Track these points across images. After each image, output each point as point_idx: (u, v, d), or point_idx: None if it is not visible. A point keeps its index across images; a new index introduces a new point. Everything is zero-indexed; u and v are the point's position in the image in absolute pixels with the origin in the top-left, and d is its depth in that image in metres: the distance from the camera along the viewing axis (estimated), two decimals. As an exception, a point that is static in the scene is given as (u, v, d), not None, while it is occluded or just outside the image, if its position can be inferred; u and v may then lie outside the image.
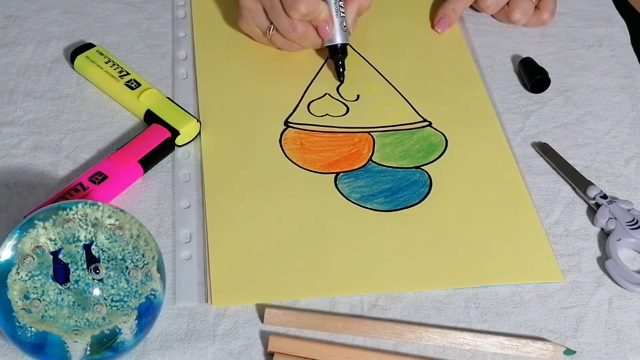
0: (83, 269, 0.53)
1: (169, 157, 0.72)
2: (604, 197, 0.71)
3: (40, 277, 0.53)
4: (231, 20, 0.86)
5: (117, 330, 0.54)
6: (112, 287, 0.54)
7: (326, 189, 0.71)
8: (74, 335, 0.53)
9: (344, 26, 0.79)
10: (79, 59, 0.78)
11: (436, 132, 0.77)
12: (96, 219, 0.55)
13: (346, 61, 0.80)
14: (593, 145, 0.77)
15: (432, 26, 0.88)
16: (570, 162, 0.75)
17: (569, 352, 0.61)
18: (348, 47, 0.80)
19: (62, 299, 0.53)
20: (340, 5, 0.79)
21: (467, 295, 0.65)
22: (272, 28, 0.78)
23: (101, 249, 0.54)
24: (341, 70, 0.80)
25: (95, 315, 0.53)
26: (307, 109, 0.78)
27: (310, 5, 0.75)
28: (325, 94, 0.80)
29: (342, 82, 0.80)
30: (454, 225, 0.69)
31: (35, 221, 0.54)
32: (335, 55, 0.80)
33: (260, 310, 0.62)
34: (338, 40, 0.79)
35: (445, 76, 0.83)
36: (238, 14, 0.81)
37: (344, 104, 0.79)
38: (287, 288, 0.64)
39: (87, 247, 0.54)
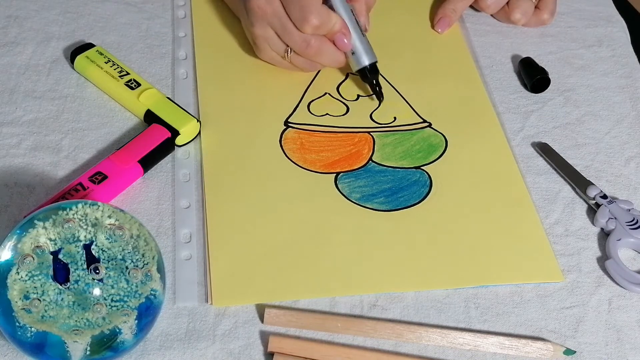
0: (83, 269, 0.53)
1: (169, 157, 0.72)
2: (604, 197, 0.71)
3: (40, 277, 0.53)
4: (231, 21, 0.85)
5: (117, 330, 0.54)
6: (112, 287, 0.54)
7: (326, 189, 0.71)
8: (74, 335, 0.53)
9: (369, 45, 0.77)
10: (79, 59, 0.78)
11: (436, 133, 0.77)
12: (96, 219, 0.55)
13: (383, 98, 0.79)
14: (593, 145, 0.77)
15: (432, 26, 0.88)
16: (570, 162, 0.75)
17: (569, 352, 0.61)
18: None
19: (62, 299, 0.53)
20: (359, 26, 0.76)
21: (467, 295, 0.65)
22: (289, 50, 0.76)
23: (101, 249, 0.54)
24: (377, 89, 0.77)
25: (95, 315, 0.53)
26: (307, 109, 0.78)
27: (321, 15, 0.73)
28: (325, 94, 0.80)
29: (381, 101, 0.78)
30: (454, 225, 0.69)
31: (35, 221, 0.54)
32: (367, 77, 0.77)
33: (260, 310, 0.62)
34: (365, 61, 0.76)
35: (445, 76, 0.83)
36: (253, 45, 0.79)
37: (344, 103, 0.79)
38: (287, 288, 0.64)
39: (87, 247, 0.54)
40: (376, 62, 0.77)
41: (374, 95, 0.79)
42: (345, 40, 0.75)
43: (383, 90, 0.79)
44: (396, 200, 0.71)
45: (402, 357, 0.60)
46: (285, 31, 0.74)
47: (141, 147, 0.70)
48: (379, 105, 0.79)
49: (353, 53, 0.77)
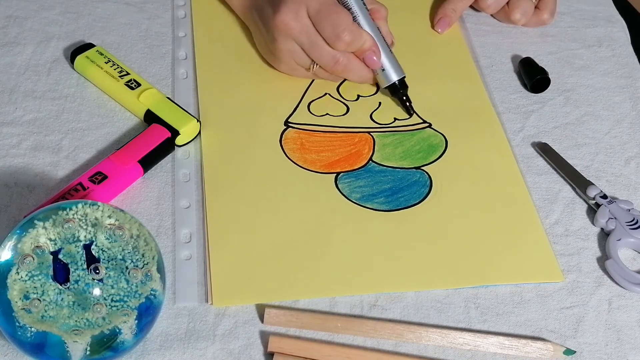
0: (83, 269, 0.53)
1: (169, 157, 0.72)
2: (604, 197, 0.71)
3: (40, 277, 0.53)
4: (231, 21, 0.85)
5: (117, 330, 0.54)
6: (112, 287, 0.54)
7: (326, 189, 0.71)
8: (74, 335, 0.53)
9: (396, 60, 0.77)
10: (79, 59, 0.78)
11: (436, 133, 0.77)
12: (96, 219, 0.55)
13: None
14: (593, 145, 0.77)
15: (432, 26, 0.88)
16: (570, 162, 0.75)
17: (569, 352, 0.61)
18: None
19: (62, 299, 0.53)
20: (385, 42, 0.77)
21: (467, 295, 0.65)
22: (314, 64, 0.76)
23: (101, 249, 0.54)
24: (407, 104, 0.77)
25: (95, 315, 0.53)
26: (307, 109, 0.78)
27: (354, 33, 0.73)
28: (325, 94, 0.80)
29: (411, 115, 0.78)
30: (454, 225, 0.69)
31: (35, 221, 0.54)
32: (398, 93, 0.78)
33: (260, 310, 0.62)
34: (394, 77, 0.77)
35: (445, 76, 0.82)
36: (270, 56, 0.79)
37: (344, 103, 0.79)
38: (287, 288, 0.64)
39: (87, 247, 0.54)
40: (404, 77, 0.77)
41: (372, 95, 0.79)
42: (374, 57, 0.75)
43: (382, 89, 0.79)
44: (396, 201, 0.71)
45: (402, 357, 0.60)
46: (314, 47, 0.75)
47: (141, 147, 0.70)
48: (379, 106, 0.79)
49: (383, 70, 0.77)
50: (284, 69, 0.79)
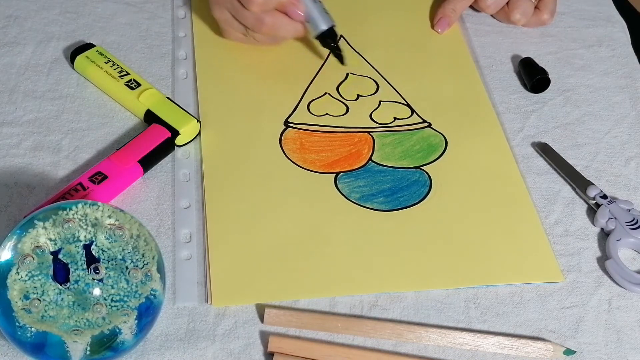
0: (83, 269, 0.53)
1: (169, 157, 0.72)
2: (604, 197, 0.71)
3: (40, 277, 0.53)
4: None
5: (117, 330, 0.54)
6: (112, 287, 0.54)
7: (326, 189, 0.71)
8: (74, 335, 0.53)
9: (324, 10, 0.78)
10: (79, 59, 0.78)
11: (436, 133, 0.77)
12: (96, 219, 0.55)
13: (346, 61, 0.80)
14: (593, 145, 0.77)
15: (432, 26, 0.88)
16: (570, 162, 0.75)
17: (569, 352, 0.61)
18: (344, 40, 0.81)
19: (62, 299, 0.53)
20: None
21: (467, 295, 0.65)
22: (248, 29, 0.78)
23: (101, 249, 0.54)
24: (338, 52, 0.79)
25: (95, 315, 0.53)
26: (307, 109, 0.78)
27: None
28: (325, 94, 0.80)
29: (344, 64, 0.79)
30: (454, 225, 0.69)
31: (35, 221, 0.54)
32: (327, 42, 0.79)
33: (260, 310, 0.62)
34: (323, 26, 0.78)
35: (445, 76, 0.83)
36: (219, 28, 0.81)
37: (343, 103, 0.79)
38: (287, 288, 0.64)
39: (87, 247, 0.54)
40: (333, 25, 0.78)
41: (372, 95, 0.79)
42: (295, 10, 0.76)
43: (381, 89, 0.79)
44: (396, 200, 0.71)
45: (402, 357, 0.60)
46: (237, 12, 0.76)
47: (141, 147, 0.70)
48: (379, 106, 0.79)
49: (308, 21, 0.77)
50: (228, 38, 0.81)
